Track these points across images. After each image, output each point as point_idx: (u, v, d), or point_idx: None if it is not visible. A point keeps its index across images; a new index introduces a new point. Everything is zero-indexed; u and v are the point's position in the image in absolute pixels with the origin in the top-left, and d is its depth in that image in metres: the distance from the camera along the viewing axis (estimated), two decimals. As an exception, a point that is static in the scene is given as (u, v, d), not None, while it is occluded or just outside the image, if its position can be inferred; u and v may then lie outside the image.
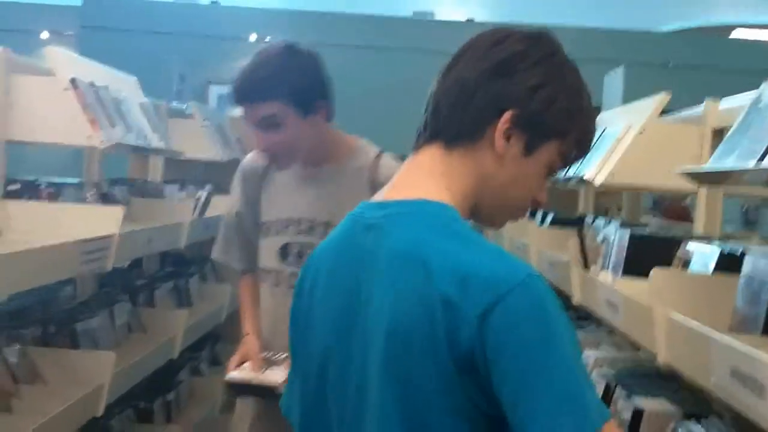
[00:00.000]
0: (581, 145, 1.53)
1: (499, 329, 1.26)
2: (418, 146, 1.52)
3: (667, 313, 1.79)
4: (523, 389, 1.25)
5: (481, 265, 1.31)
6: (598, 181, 2.93)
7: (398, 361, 1.33)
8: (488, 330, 1.26)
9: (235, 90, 2.62)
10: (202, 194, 4.43)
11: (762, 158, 1.63)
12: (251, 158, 2.94)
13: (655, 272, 1.88)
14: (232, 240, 2.95)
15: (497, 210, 1.53)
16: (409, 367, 1.32)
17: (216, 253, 3.03)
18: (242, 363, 2.71)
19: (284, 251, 2.78)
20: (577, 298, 2.80)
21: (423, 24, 11.95)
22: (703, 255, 1.99)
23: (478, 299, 1.27)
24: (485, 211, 1.52)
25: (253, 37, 11.87)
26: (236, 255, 2.96)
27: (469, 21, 12.01)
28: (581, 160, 1.57)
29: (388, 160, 2.81)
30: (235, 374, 2.69)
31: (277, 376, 2.63)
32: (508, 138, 1.45)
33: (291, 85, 2.61)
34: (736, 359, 1.41)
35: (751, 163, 1.66)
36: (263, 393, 2.65)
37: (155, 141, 3.81)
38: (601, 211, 5.10)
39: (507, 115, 1.44)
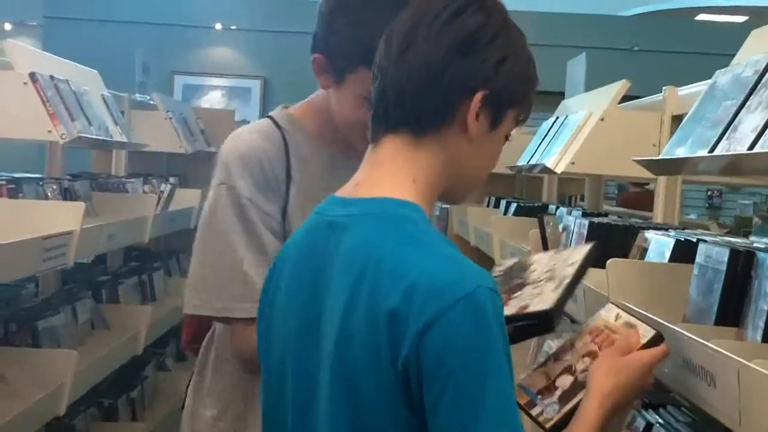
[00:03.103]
0: (529, 105, 1.51)
1: (437, 346, 1.25)
2: (378, 137, 1.45)
3: (621, 303, 1.79)
4: (457, 412, 1.24)
5: (428, 274, 1.27)
6: (560, 168, 2.94)
7: (346, 367, 1.32)
8: (426, 346, 1.25)
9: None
10: (166, 188, 4.39)
11: (714, 148, 1.64)
12: (258, 144, 1.93)
13: (611, 263, 1.88)
14: (252, 281, 1.87)
15: (465, 188, 1.52)
16: (356, 373, 1.31)
17: (218, 307, 1.92)
18: None
19: None
20: (538, 288, 2.80)
21: None
22: (659, 244, 1.99)
23: (421, 313, 1.25)
24: (454, 191, 1.51)
25: (218, 26, 11.80)
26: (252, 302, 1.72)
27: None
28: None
29: None
30: None
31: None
32: (476, 117, 1.41)
33: None
34: (686, 349, 1.41)
35: (702, 153, 1.66)
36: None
37: (117, 134, 3.79)
38: (566, 199, 5.14)
39: (479, 96, 1.39)
